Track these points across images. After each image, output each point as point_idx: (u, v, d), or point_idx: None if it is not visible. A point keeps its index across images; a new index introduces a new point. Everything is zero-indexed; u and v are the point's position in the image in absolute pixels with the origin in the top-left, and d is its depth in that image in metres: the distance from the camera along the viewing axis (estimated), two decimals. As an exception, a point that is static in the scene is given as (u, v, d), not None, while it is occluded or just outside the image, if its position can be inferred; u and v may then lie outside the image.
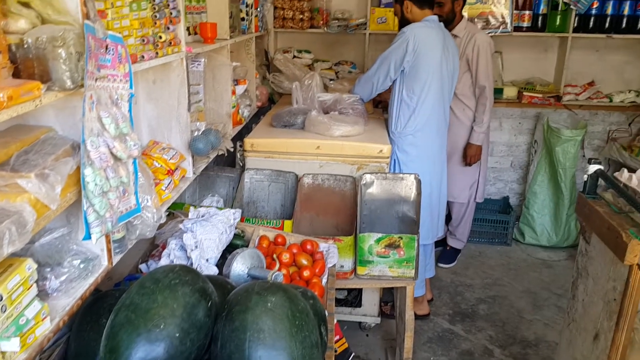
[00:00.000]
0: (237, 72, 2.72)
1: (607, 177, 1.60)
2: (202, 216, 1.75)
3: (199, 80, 2.14)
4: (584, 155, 3.97)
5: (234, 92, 2.54)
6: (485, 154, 3.27)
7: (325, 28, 3.66)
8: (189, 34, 2.14)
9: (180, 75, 1.80)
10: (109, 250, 1.35)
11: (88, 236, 1.20)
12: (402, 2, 2.69)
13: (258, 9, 3.08)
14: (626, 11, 3.58)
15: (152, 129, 1.89)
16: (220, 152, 2.29)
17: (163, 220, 1.54)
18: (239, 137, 2.69)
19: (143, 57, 1.46)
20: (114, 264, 1.39)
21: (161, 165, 1.79)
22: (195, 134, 2.05)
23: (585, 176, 1.68)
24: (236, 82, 2.67)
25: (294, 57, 3.75)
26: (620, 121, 3.92)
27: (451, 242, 3.56)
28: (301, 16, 3.60)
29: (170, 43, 1.65)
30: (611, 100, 3.78)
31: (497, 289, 3.27)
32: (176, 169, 1.85)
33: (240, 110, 2.70)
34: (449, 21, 2.96)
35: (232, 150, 2.40)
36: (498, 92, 3.75)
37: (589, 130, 3.89)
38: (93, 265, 1.32)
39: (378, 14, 3.61)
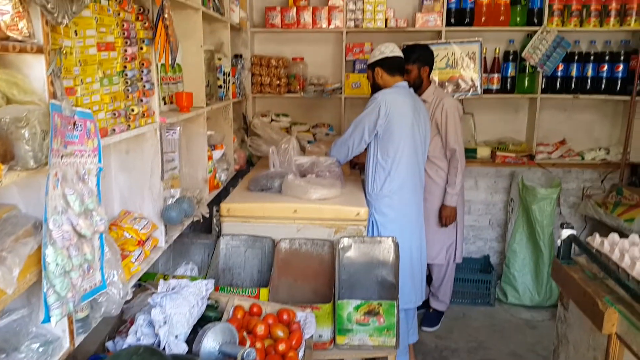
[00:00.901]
0: (215, 137, 2.73)
1: (580, 242, 1.61)
2: (173, 288, 1.70)
3: (174, 147, 2.14)
4: (560, 213, 4.02)
5: (210, 158, 2.54)
6: (461, 214, 3.30)
7: (302, 93, 3.74)
8: (165, 103, 2.16)
9: (154, 145, 1.79)
10: (71, 332, 1.28)
11: (47, 319, 1.14)
12: (374, 68, 2.80)
13: (236, 77, 3.15)
14: (590, 73, 3.75)
15: (125, 199, 1.86)
16: (196, 219, 2.26)
17: (130, 297, 1.48)
18: (217, 201, 2.66)
19: (114, 130, 1.46)
20: (76, 345, 1.32)
21: (132, 236, 1.75)
22: (169, 202, 2.03)
23: (559, 241, 1.69)
24: (213, 147, 2.68)
25: (272, 120, 3.80)
26: (593, 178, 4.01)
27: (434, 304, 3.50)
28: (278, 82, 3.69)
29: (144, 115, 1.66)
30: (583, 158, 3.88)
31: (483, 353, 3.19)
32: (147, 239, 1.81)
33: (217, 175, 2.70)
34: (417, 86, 3.06)
35: (207, 216, 2.37)
36: (472, 152, 3.83)
37: (564, 188, 3.96)
38: (53, 348, 1.25)
39: (352, 79, 3.72)
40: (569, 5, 3.65)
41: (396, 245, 2.36)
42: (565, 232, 1.67)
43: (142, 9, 1.60)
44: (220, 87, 2.78)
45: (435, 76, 3.68)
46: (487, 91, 3.79)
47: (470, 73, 3.71)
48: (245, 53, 3.58)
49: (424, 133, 2.83)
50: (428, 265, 3.23)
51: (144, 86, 1.64)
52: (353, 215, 2.51)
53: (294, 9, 3.65)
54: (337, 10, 3.66)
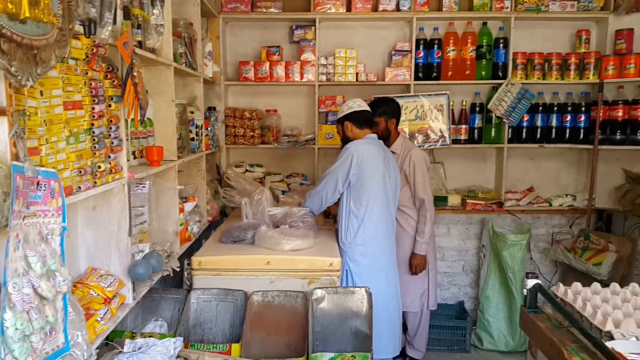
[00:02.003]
0: (187, 189, 2.74)
1: (545, 292, 1.64)
2: (139, 348, 1.65)
3: (143, 202, 2.13)
4: (531, 258, 4.08)
5: (182, 210, 2.53)
6: (432, 261, 3.33)
7: (275, 144, 3.80)
8: (135, 157, 2.16)
9: (122, 201, 1.78)
10: (29, 398, 1.23)
11: (3, 386, 1.10)
12: (343, 122, 2.89)
13: (209, 129, 3.19)
14: (554, 123, 3.92)
15: (91, 256, 1.83)
16: (166, 273, 2.23)
17: (94, 358, 1.44)
18: (189, 254, 2.64)
19: (80, 188, 1.45)
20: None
21: (98, 294, 1.71)
22: (138, 257, 2.00)
23: (525, 290, 1.71)
24: (185, 199, 2.68)
25: (247, 171, 3.83)
26: (562, 224, 4.10)
27: (410, 353, 3.46)
28: (252, 133, 3.75)
29: (111, 171, 1.66)
30: (551, 205, 3.99)
31: (460, 403, 3.14)
32: (114, 296, 1.77)
33: (189, 227, 2.68)
34: (386, 138, 3.15)
35: (178, 269, 2.34)
36: (443, 199, 3.90)
37: (534, 234, 4.04)
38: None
39: (325, 130, 3.80)
40: (532, 60, 3.85)
41: (369, 295, 2.35)
42: (531, 282, 1.70)
43: (111, 67, 1.63)
44: (192, 139, 2.81)
45: (405, 127, 3.79)
46: (455, 141, 3.90)
47: (439, 124, 3.83)
48: (218, 105, 3.65)
49: (394, 182, 2.90)
50: (403, 313, 3.21)
51: (112, 142, 1.65)
52: (326, 266, 2.51)
53: (267, 64, 3.76)
54: (309, 64, 3.78)
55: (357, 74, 3.82)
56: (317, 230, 2.85)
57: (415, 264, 3.21)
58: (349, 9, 3.78)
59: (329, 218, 3.32)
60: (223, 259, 2.48)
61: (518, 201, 3.96)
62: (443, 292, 4.16)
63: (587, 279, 3.66)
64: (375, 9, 3.81)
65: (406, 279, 3.24)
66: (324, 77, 3.82)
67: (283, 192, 3.71)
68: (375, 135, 2.93)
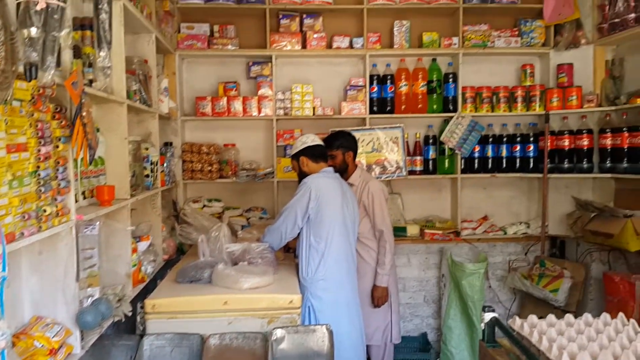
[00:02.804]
0: (141, 228, 2.66)
1: (502, 325, 1.66)
2: (87, 402, 1.56)
3: (93, 244, 2.05)
4: (490, 286, 4.15)
5: (135, 251, 2.45)
6: (394, 293, 3.33)
7: (234, 178, 3.77)
8: (85, 197, 2.09)
9: (69, 245, 1.71)
10: None
11: None
12: (299, 158, 2.90)
13: (165, 164, 3.13)
14: (504, 153, 4.06)
15: (36, 303, 1.73)
16: (117, 319, 2.13)
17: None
18: (144, 296, 2.54)
19: (23, 234, 1.38)
20: None
21: (42, 345, 1.61)
22: (86, 303, 1.91)
23: (482, 324, 1.73)
24: (139, 238, 2.60)
25: (205, 206, 3.77)
26: (517, 251, 4.21)
27: (375, 388, 3.41)
28: (210, 168, 3.71)
29: (58, 214, 1.60)
30: (505, 233, 4.09)
31: None
32: (60, 347, 1.67)
33: (142, 268, 2.59)
34: (343, 171, 3.17)
35: (130, 314, 2.25)
36: (402, 230, 3.95)
37: (491, 262, 4.12)
38: None
39: (284, 163, 3.81)
40: (480, 93, 4.01)
41: (330, 333, 2.32)
42: (488, 316, 1.71)
43: (59, 108, 1.58)
44: (147, 176, 2.75)
45: (363, 159, 3.84)
46: (411, 172, 3.98)
47: (395, 156, 3.90)
48: (175, 141, 3.60)
49: (353, 214, 2.92)
50: (367, 347, 3.18)
51: (59, 184, 1.59)
52: (287, 303, 2.46)
53: (225, 99, 3.76)
54: (266, 99, 3.80)
55: (314, 108, 3.87)
56: (277, 266, 2.81)
57: (377, 297, 3.19)
58: (304, 46, 3.85)
59: (290, 252, 3.29)
60: (178, 300, 2.39)
61: (474, 230, 4.04)
62: (406, 323, 4.16)
63: (544, 306, 3.76)
64: (329, 46, 3.90)
65: (368, 311, 3.22)
66: (281, 112, 3.85)
67: (243, 226, 3.66)
68: (331, 169, 2.95)
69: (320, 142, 2.97)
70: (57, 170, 1.59)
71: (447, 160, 4.03)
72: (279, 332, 2.29)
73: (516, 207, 4.25)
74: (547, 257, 3.96)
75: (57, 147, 1.59)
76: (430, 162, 4.03)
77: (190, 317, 2.37)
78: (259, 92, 3.83)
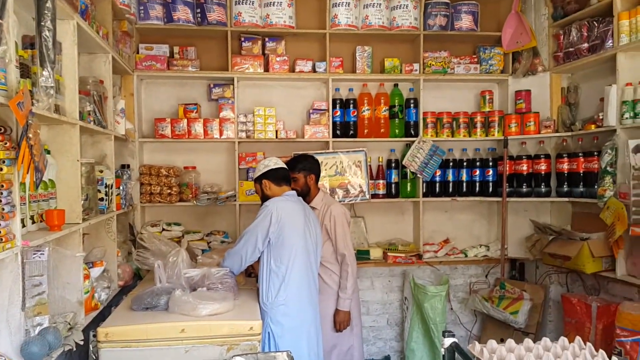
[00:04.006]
0: (94, 253, 2.55)
1: (461, 351, 1.65)
2: None
3: (41, 270, 1.94)
4: (451, 308, 4.17)
5: (87, 277, 2.34)
6: (357, 317, 3.29)
7: (194, 201, 3.69)
8: (34, 222, 1.99)
9: (14, 272, 1.61)
10: None
11: None
12: (261, 181, 2.87)
13: (121, 187, 3.03)
14: (464, 177, 4.13)
15: (-25, 335, 1.62)
16: (67, 348, 2.02)
17: None
18: (98, 324, 2.41)
19: (-41, 262, 1.29)
20: None
21: (-21, 381, 1.50)
22: (33, 332, 1.80)
23: (442, 349, 1.72)
24: (92, 264, 2.49)
25: (164, 230, 3.66)
26: (478, 273, 4.26)
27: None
28: (169, 191, 3.62)
29: (2, 240, 1.50)
30: (466, 255, 4.13)
31: None
32: (0, 382, 1.56)
33: (96, 295, 2.48)
34: (306, 194, 3.16)
35: (82, 343, 2.13)
36: (365, 253, 3.94)
37: (452, 284, 4.15)
38: None
39: (246, 186, 3.76)
40: (441, 119, 4.09)
41: (291, 360, 2.26)
42: (447, 341, 1.70)
43: (3, 129, 1.51)
44: (101, 199, 2.65)
45: (326, 183, 3.84)
46: (374, 196, 3.99)
47: (358, 179, 3.92)
48: (133, 163, 3.51)
49: (315, 238, 2.89)
50: (329, 374, 3.12)
51: (3, 209, 1.50)
52: (246, 330, 2.39)
53: (185, 121, 3.70)
54: (228, 122, 3.77)
55: (277, 131, 3.86)
56: (238, 291, 2.74)
57: (339, 321, 3.15)
58: (266, 69, 3.85)
59: (251, 277, 3.22)
60: (132, 328, 2.29)
61: (436, 252, 4.07)
62: (369, 347, 4.12)
63: (505, 327, 3.80)
64: (292, 69, 3.91)
65: (331, 335, 3.17)
66: (243, 134, 3.82)
67: (203, 250, 3.57)
68: (294, 192, 2.93)
69: (283, 165, 2.95)
70: (1, 194, 1.51)
71: (409, 184, 4.07)
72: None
73: (477, 230, 4.31)
74: (507, 280, 4.02)
75: (1, 169, 1.51)
76: (393, 185, 4.06)
77: (145, 345, 2.27)
78: (221, 115, 3.79)
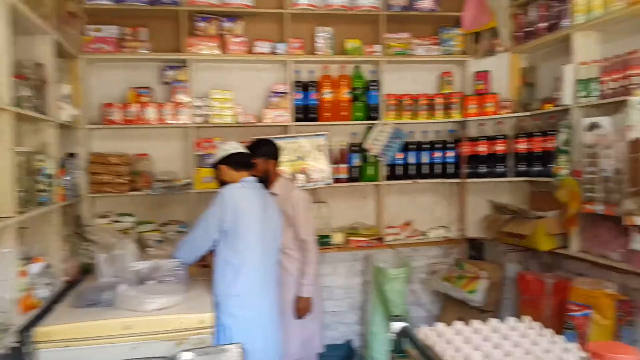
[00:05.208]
0: (33, 248, 2.42)
1: (409, 335, 1.61)
2: None
3: (-33, 270, 1.82)
4: (412, 290, 4.18)
5: (24, 274, 2.22)
6: (318, 303, 3.26)
7: (148, 190, 3.56)
8: (-42, 218, 1.86)
9: None
10: None
11: None
12: (219, 166, 2.77)
13: (66, 178, 2.89)
14: (425, 159, 4.11)
15: None
16: (1, 352, 1.91)
17: None
18: (37, 322, 2.30)
19: None
20: None
21: None
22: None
23: (392, 334, 1.69)
24: (30, 260, 2.36)
25: (115, 221, 3.53)
26: (439, 254, 4.28)
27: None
28: (120, 180, 3.48)
29: None
30: (427, 237, 4.14)
31: None
32: None
33: (35, 292, 2.35)
34: (266, 180, 3.07)
35: (17, 344, 2.03)
36: (327, 238, 3.90)
37: (414, 266, 4.14)
38: None
39: (203, 173, 3.64)
40: (402, 100, 4.05)
41: (242, 353, 2.20)
42: (396, 325, 1.67)
43: None
44: (42, 191, 2.51)
45: (287, 168, 3.76)
46: (337, 180, 3.93)
47: (320, 164, 3.85)
48: (80, 151, 3.35)
49: (274, 227, 2.82)
50: (290, 361, 3.09)
51: None
52: (196, 323, 2.33)
53: (136, 105, 3.55)
54: (183, 106, 3.63)
55: (235, 115, 3.74)
56: (190, 283, 2.66)
57: (301, 307, 3.12)
58: (223, 51, 3.72)
59: (207, 268, 3.13)
60: (73, 327, 2.19)
61: (397, 235, 4.06)
62: (331, 332, 4.10)
63: (464, 306, 3.83)
64: (250, 51, 3.79)
65: (292, 323, 3.13)
66: (199, 119, 3.69)
67: (159, 241, 3.46)
68: (252, 178, 2.83)
69: (243, 150, 2.85)
70: None
71: (371, 168, 4.02)
72: (186, 355, 2.14)
73: (438, 212, 4.31)
74: (465, 259, 4.05)
75: None
76: (356, 169, 4.01)
77: (87, 344, 2.19)
78: (175, 99, 3.64)
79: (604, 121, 2.86)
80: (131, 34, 3.63)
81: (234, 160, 2.77)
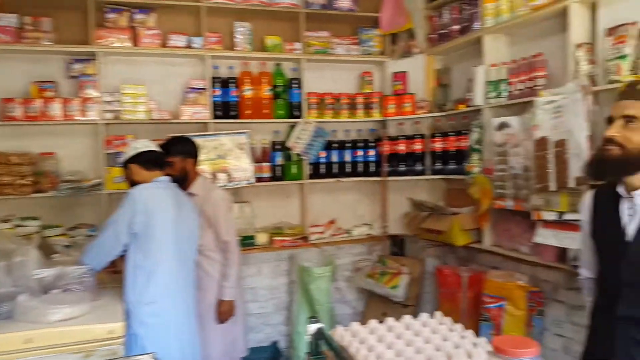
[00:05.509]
0: None
1: (325, 337, 1.60)
2: None
3: None
4: (338, 288, 4.22)
5: None
6: (241, 307, 3.19)
7: (54, 192, 3.30)
8: None
9: None
10: None
11: None
12: (130, 166, 2.62)
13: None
14: (348, 158, 4.15)
15: None
16: None
17: None
18: None
19: None
20: None
21: None
22: None
23: (308, 336, 1.66)
24: None
25: (19, 226, 3.23)
26: (362, 252, 4.34)
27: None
28: (22, 181, 3.19)
29: None
30: (351, 235, 4.18)
31: None
32: None
33: None
34: (183, 180, 2.95)
35: None
36: (251, 239, 3.82)
37: (338, 264, 4.18)
38: None
39: (114, 173, 3.43)
40: (324, 99, 4.06)
41: (156, 362, 2.08)
42: (313, 327, 1.64)
43: None
44: None
45: (207, 167, 3.64)
46: (259, 179, 3.87)
47: (242, 163, 3.76)
48: (-26, 151, 3.05)
49: (190, 228, 2.70)
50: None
51: None
52: (105, 334, 2.17)
53: (39, 101, 3.28)
54: (92, 101, 3.40)
55: (149, 111, 3.57)
56: (98, 291, 2.48)
57: (223, 311, 3.02)
58: (135, 44, 3.53)
59: (118, 274, 2.95)
60: (-38, 344, 1.97)
61: (322, 234, 4.06)
62: (257, 334, 4.04)
63: (387, 302, 3.91)
64: (164, 44, 3.62)
65: (213, 328, 3.03)
66: (109, 115, 3.48)
67: (67, 247, 3.22)
68: (166, 178, 2.70)
69: (155, 148, 2.71)
70: None
71: (294, 166, 3.99)
72: (93, 368, 2.00)
73: (361, 210, 4.37)
74: (388, 256, 4.14)
75: None
76: (278, 168, 3.96)
77: (-21, 363, 1.97)
78: (83, 94, 3.41)
79: (513, 121, 3.03)
80: (32, 24, 3.35)
81: (145, 159, 2.63)
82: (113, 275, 2.86)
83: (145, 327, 2.44)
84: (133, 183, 2.64)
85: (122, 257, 2.59)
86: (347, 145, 4.14)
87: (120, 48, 3.49)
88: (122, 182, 3.39)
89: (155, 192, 2.56)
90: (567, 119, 2.59)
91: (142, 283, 2.46)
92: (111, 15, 3.51)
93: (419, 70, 4.10)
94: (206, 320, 2.97)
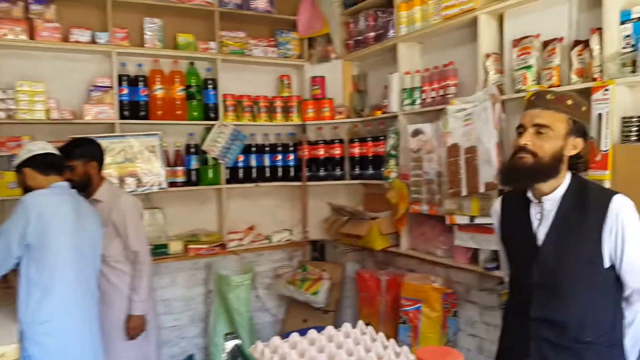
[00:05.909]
0: None
1: (243, 354, 1.50)
2: None
3: None
4: (257, 296, 4.11)
5: None
6: (153, 321, 2.98)
7: None
8: None
9: None
10: None
11: None
12: (22, 170, 2.37)
13: None
14: (267, 162, 4.06)
15: None
16: None
17: None
18: None
19: None
20: None
21: None
22: None
23: (225, 354, 1.56)
24: None
25: None
26: (283, 258, 4.26)
27: None
28: None
29: None
30: (271, 241, 4.09)
31: None
32: None
33: None
34: (86, 185, 2.72)
35: None
36: (164, 247, 3.61)
37: (258, 271, 4.07)
38: None
39: (8, 178, 3.10)
40: (241, 102, 3.94)
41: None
42: (229, 344, 1.55)
43: None
44: None
45: (113, 171, 3.38)
46: (172, 184, 3.67)
47: (153, 167, 3.55)
48: None
49: (92, 239, 2.49)
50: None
51: None
52: (-7, 360, 1.92)
53: None
54: (-21, 99, 3.05)
55: (47, 110, 3.26)
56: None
57: (132, 327, 2.79)
58: (32, 37, 3.21)
59: (11, 289, 2.65)
60: None
61: (241, 241, 3.94)
62: (171, 348, 3.82)
63: (308, 308, 3.87)
64: (66, 39, 3.33)
65: (121, 346, 2.80)
66: (2, 114, 3.14)
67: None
68: (64, 184, 2.47)
69: (53, 151, 2.47)
70: None
71: (211, 171, 3.83)
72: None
73: (281, 215, 4.29)
74: (308, 261, 4.11)
75: None
76: (193, 172, 3.78)
77: None
78: (-32, 90, 3.04)
79: (426, 128, 3.11)
80: None
81: (40, 163, 2.40)
82: (6, 291, 2.56)
83: (41, 348, 2.21)
84: (27, 189, 2.40)
85: (15, 271, 2.34)
86: (266, 149, 4.06)
87: (15, 41, 3.16)
88: (16, 188, 3.07)
89: (52, 199, 2.34)
90: (477, 127, 2.69)
91: (36, 300, 2.22)
92: (3, 5, 3.17)
93: (336, 76, 4.11)
94: (113, 337, 2.74)
